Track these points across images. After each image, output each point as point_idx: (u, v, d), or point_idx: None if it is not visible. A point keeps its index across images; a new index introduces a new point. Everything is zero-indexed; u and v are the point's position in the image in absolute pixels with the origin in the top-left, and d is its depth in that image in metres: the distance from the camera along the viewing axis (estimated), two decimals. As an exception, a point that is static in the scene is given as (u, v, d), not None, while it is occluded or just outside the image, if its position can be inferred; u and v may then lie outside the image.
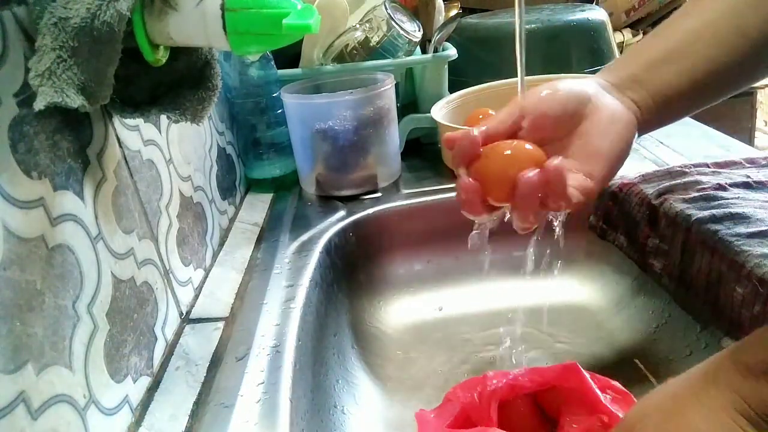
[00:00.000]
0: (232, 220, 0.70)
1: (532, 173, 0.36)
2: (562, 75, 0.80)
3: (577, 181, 0.39)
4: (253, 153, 0.77)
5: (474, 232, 0.45)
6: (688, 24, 0.43)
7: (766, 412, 0.30)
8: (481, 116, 0.75)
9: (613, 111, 0.41)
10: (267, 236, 0.67)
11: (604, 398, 0.46)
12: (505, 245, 0.69)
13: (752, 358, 0.32)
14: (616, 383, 0.49)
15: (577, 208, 0.39)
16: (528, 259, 0.51)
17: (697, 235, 0.52)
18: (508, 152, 0.39)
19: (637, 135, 0.42)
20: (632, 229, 0.61)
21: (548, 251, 0.51)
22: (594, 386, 0.47)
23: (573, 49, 0.92)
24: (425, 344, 0.65)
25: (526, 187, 0.37)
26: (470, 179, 0.39)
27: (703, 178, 0.59)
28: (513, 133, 0.41)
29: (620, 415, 0.45)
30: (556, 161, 0.37)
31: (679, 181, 0.59)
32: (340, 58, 0.78)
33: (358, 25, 0.77)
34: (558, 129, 0.41)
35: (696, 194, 0.56)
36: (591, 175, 0.40)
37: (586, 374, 0.48)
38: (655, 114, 0.42)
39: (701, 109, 0.45)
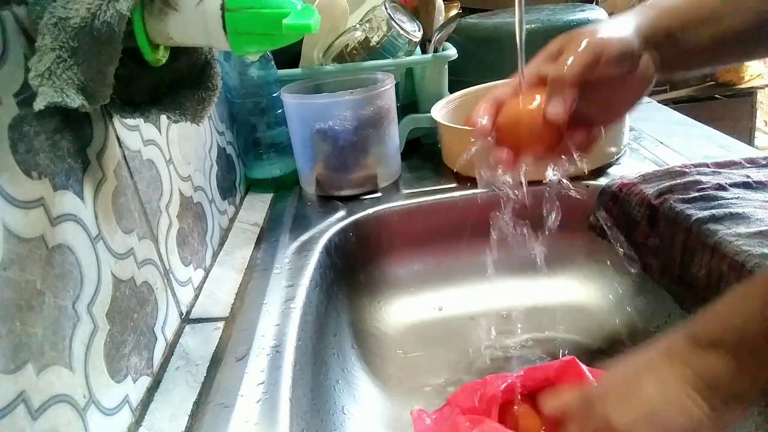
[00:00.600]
0: (232, 220, 0.70)
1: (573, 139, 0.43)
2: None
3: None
4: (253, 153, 0.77)
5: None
6: None
7: (713, 383, 0.32)
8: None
9: (644, 74, 0.43)
10: (267, 236, 0.67)
11: None
12: (505, 245, 0.69)
13: (701, 331, 0.34)
14: None
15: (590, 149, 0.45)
16: (533, 259, 0.51)
17: (697, 235, 0.52)
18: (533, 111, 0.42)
19: None
20: (632, 229, 0.61)
21: (546, 251, 0.51)
22: (593, 380, 0.47)
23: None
24: (425, 344, 0.65)
25: (570, 148, 0.43)
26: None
27: (703, 178, 0.59)
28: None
29: None
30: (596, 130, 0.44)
31: (679, 181, 0.59)
32: (340, 58, 0.78)
33: (358, 25, 0.77)
34: (612, 78, 0.42)
35: (696, 194, 0.56)
36: (605, 124, 0.45)
37: (585, 368, 0.48)
38: (671, 68, 0.45)
39: (710, 68, 0.47)
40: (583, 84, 0.40)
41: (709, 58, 0.45)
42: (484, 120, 0.44)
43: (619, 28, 0.42)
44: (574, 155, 0.44)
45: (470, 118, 0.44)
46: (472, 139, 0.45)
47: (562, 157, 0.45)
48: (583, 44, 0.40)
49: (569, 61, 0.40)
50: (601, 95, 0.43)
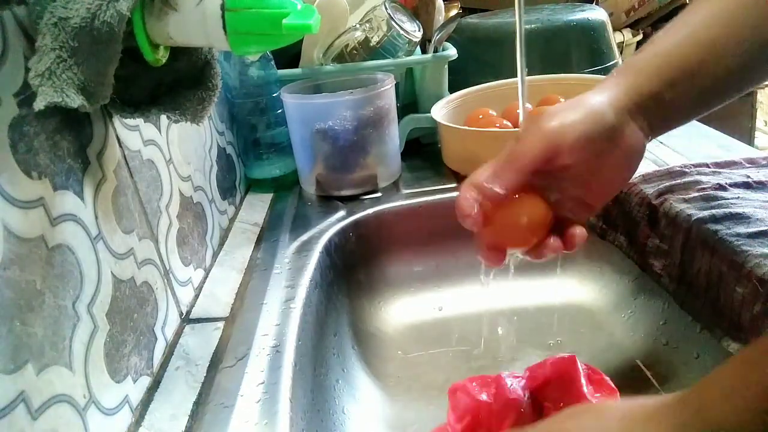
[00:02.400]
0: (232, 220, 0.70)
1: (557, 241, 0.41)
2: (566, 76, 0.80)
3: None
4: (253, 153, 0.77)
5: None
6: (707, 33, 0.39)
7: None
8: (480, 116, 0.75)
9: (632, 146, 0.39)
10: (267, 236, 0.67)
11: (588, 390, 0.47)
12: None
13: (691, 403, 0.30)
14: (610, 383, 0.49)
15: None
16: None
17: (697, 235, 0.52)
18: (522, 217, 0.40)
19: None
20: (632, 229, 0.61)
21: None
22: (583, 379, 0.47)
23: (573, 49, 0.92)
24: (425, 344, 0.65)
25: (552, 249, 0.41)
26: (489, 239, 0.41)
27: (703, 178, 0.59)
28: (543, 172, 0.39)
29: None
30: (579, 231, 0.41)
31: (679, 181, 0.59)
32: (340, 58, 0.78)
33: (358, 25, 0.77)
34: (580, 165, 0.39)
35: (696, 194, 0.56)
36: (593, 207, 0.42)
37: (581, 366, 0.48)
38: (660, 130, 0.41)
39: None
40: (557, 171, 0.38)
41: (703, 108, 0.41)
42: (473, 210, 0.38)
43: (594, 105, 0.38)
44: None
45: (460, 205, 0.39)
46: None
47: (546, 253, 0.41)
48: (539, 134, 0.38)
49: (519, 154, 0.38)
50: (583, 179, 0.39)
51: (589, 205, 0.41)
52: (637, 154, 0.40)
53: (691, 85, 0.39)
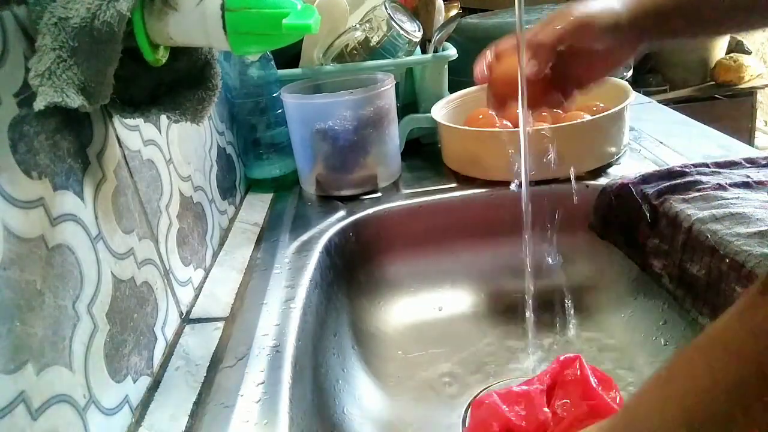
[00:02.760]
0: (232, 220, 0.70)
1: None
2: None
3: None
4: (253, 153, 0.77)
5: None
6: None
7: None
8: (480, 116, 0.75)
9: (629, 45, 0.50)
10: (267, 236, 0.67)
11: (596, 386, 0.47)
12: (505, 246, 0.69)
13: None
14: (616, 384, 0.49)
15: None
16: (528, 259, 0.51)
17: (697, 235, 0.52)
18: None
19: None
20: (632, 229, 0.61)
21: (548, 252, 0.51)
22: (591, 376, 0.47)
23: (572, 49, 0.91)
24: (425, 344, 0.65)
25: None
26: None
27: (703, 178, 0.59)
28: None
29: (609, 402, 0.45)
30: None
31: (679, 181, 0.59)
32: (340, 58, 0.78)
33: (358, 25, 0.77)
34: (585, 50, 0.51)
35: (696, 194, 0.56)
36: (587, 83, 0.54)
37: (586, 366, 0.48)
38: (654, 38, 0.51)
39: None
40: (567, 50, 0.49)
41: (698, 28, 0.50)
42: (483, 70, 0.53)
43: (608, 3, 0.48)
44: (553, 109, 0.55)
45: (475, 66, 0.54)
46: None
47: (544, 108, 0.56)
48: (570, 17, 0.48)
49: (550, 29, 0.48)
50: (584, 60, 0.51)
51: (580, 82, 0.54)
52: (631, 52, 0.52)
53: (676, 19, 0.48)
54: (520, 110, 0.57)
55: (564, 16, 0.48)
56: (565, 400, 0.47)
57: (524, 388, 0.49)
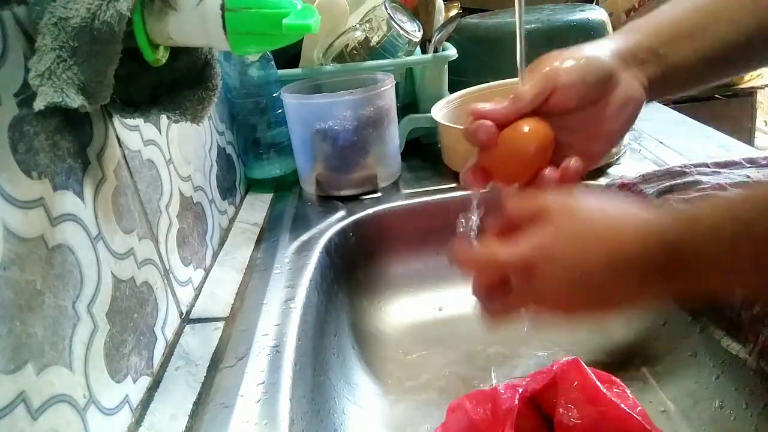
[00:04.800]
0: (232, 220, 0.70)
1: (553, 172, 0.40)
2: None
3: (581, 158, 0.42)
4: (253, 153, 0.77)
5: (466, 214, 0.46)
6: (702, 1, 0.43)
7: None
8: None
9: (628, 92, 0.41)
10: (267, 236, 0.67)
11: (603, 389, 0.46)
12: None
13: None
14: (617, 379, 0.49)
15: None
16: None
17: (697, 235, 0.52)
18: (525, 141, 0.40)
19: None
20: (632, 229, 0.61)
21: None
22: (594, 378, 0.47)
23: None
24: (425, 344, 0.65)
25: (548, 181, 0.40)
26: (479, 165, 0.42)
27: (703, 178, 0.59)
28: (532, 111, 0.41)
29: (620, 404, 0.45)
30: (573, 163, 0.40)
31: (679, 181, 0.59)
32: (340, 58, 0.78)
33: (358, 25, 0.77)
34: (577, 106, 0.41)
35: (696, 194, 0.56)
36: (594, 155, 0.42)
37: (588, 369, 0.48)
38: (662, 88, 0.43)
39: (704, 86, 0.45)
40: (557, 112, 0.40)
41: (699, 75, 0.43)
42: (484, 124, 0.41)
43: (592, 51, 0.40)
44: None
45: (466, 128, 0.42)
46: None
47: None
48: (540, 71, 0.40)
49: (520, 95, 0.40)
50: (581, 122, 0.41)
51: (590, 152, 0.42)
52: (634, 102, 0.41)
53: (687, 46, 0.41)
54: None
55: (534, 75, 0.40)
56: (569, 406, 0.47)
57: (501, 386, 0.50)
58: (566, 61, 0.40)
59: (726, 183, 0.57)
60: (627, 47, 0.41)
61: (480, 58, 0.93)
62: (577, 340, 0.63)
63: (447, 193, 0.72)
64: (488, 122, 0.39)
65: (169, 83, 0.41)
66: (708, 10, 0.42)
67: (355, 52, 0.77)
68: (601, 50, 0.41)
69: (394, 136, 0.75)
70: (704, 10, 0.42)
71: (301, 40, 0.77)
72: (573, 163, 0.40)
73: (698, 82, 0.44)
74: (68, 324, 0.34)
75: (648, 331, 0.60)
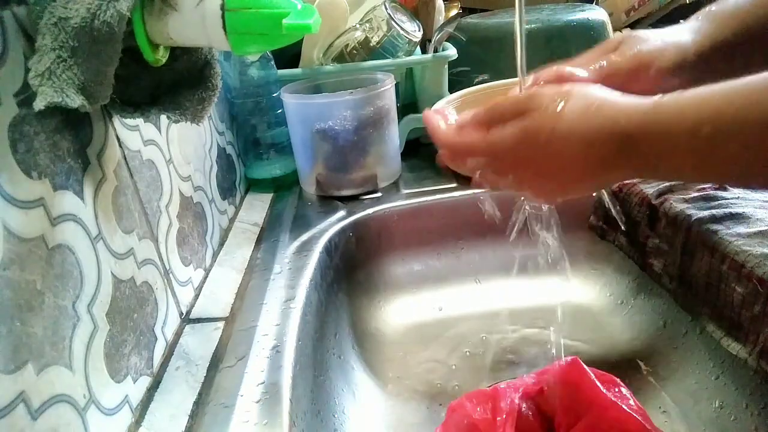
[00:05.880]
0: (232, 220, 0.70)
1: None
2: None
3: None
4: (253, 153, 0.77)
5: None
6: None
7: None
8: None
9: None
10: (267, 236, 0.67)
11: (603, 389, 0.46)
12: (506, 245, 0.69)
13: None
14: (617, 379, 0.49)
15: None
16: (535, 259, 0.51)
17: (697, 235, 0.52)
18: None
19: None
20: (632, 229, 0.61)
21: (550, 251, 0.51)
22: (594, 379, 0.47)
23: (573, 49, 0.91)
24: (425, 344, 0.65)
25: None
26: None
27: (703, 178, 0.59)
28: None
29: (620, 404, 0.45)
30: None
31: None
32: (340, 58, 0.78)
33: (358, 25, 0.77)
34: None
35: (696, 194, 0.56)
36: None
37: (588, 369, 0.48)
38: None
39: None
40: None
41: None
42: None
43: (678, 36, 0.42)
44: None
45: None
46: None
47: None
48: (628, 52, 0.42)
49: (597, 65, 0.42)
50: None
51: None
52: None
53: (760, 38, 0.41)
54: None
55: (622, 49, 0.42)
56: (570, 406, 0.47)
57: (501, 386, 0.50)
58: (663, 46, 0.42)
59: (726, 183, 0.57)
60: (708, 44, 0.42)
61: (480, 58, 0.93)
62: (578, 340, 0.63)
63: (447, 193, 0.72)
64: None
65: (169, 83, 0.41)
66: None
67: (355, 52, 0.77)
68: (689, 43, 0.42)
69: (394, 136, 0.75)
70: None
71: (301, 40, 0.77)
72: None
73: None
74: (68, 324, 0.34)
75: (648, 331, 0.60)
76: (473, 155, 0.40)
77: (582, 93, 0.36)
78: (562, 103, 0.36)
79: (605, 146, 0.34)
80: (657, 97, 0.33)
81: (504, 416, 0.46)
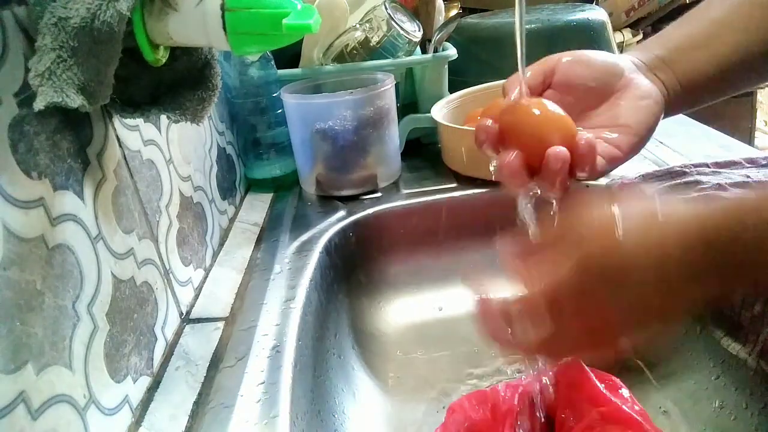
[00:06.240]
0: (232, 220, 0.70)
1: (560, 148, 0.36)
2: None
3: (604, 150, 0.40)
4: (253, 153, 0.77)
5: (522, 201, 0.42)
6: (715, 13, 0.44)
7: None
8: (480, 116, 0.75)
9: (643, 88, 0.42)
10: (267, 236, 0.67)
11: (603, 389, 0.46)
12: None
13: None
14: (617, 379, 0.49)
15: (602, 174, 0.40)
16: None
17: (697, 235, 0.52)
18: (540, 116, 0.38)
19: (663, 115, 0.43)
20: (632, 229, 0.61)
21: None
22: (594, 379, 0.47)
23: (573, 49, 0.91)
24: (425, 344, 0.65)
25: (556, 160, 0.36)
26: (510, 152, 0.38)
27: (703, 178, 0.59)
28: (540, 92, 0.42)
29: (620, 405, 0.45)
30: (586, 135, 0.38)
31: (679, 181, 0.59)
32: (340, 58, 0.78)
33: (358, 25, 0.77)
34: (587, 98, 0.42)
35: (696, 194, 0.56)
36: (619, 147, 0.41)
37: (587, 369, 0.48)
38: (681, 96, 0.43)
39: (727, 96, 0.45)
40: (581, 107, 0.42)
41: (719, 83, 0.44)
42: (487, 122, 0.40)
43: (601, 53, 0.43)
44: None
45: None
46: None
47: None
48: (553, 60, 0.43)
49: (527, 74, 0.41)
50: (600, 120, 0.42)
51: (616, 150, 0.41)
52: (651, 98, 0.41)
53: (700, 55, 0.42)
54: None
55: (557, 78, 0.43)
56: (569, 406, 0.47)
57: (501, 386, 0.50)
58: (577, 57, 0.43)
59: (726, 183, 0.57)
60: (637, 56, 0.43)
61: (480, 58, 0.93)
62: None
63: (447, 193, 0.72)
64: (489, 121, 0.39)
65: (169, 83, 0.41)
66: (720, 20, 0.43)
67: (355, 52, 0.77)
68: (613, 55, 0.43)
69: (394, 136, 0.75)
70: (717, 20, 0.43)
71: (301, 40, 0.77)
72: (587, 135, 0.38)
73: (720, 91, 0.45)
74: (68, 324, 0.34)
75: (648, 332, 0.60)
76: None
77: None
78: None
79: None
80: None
81: (504, 417, 0.46)
